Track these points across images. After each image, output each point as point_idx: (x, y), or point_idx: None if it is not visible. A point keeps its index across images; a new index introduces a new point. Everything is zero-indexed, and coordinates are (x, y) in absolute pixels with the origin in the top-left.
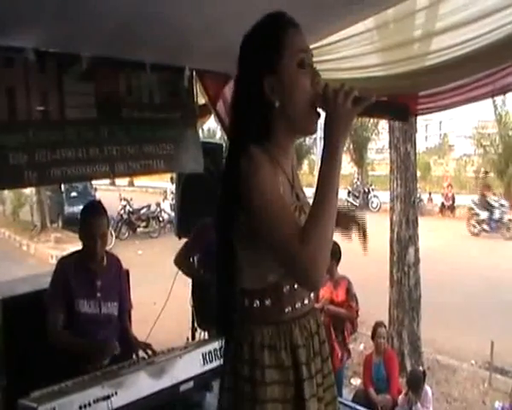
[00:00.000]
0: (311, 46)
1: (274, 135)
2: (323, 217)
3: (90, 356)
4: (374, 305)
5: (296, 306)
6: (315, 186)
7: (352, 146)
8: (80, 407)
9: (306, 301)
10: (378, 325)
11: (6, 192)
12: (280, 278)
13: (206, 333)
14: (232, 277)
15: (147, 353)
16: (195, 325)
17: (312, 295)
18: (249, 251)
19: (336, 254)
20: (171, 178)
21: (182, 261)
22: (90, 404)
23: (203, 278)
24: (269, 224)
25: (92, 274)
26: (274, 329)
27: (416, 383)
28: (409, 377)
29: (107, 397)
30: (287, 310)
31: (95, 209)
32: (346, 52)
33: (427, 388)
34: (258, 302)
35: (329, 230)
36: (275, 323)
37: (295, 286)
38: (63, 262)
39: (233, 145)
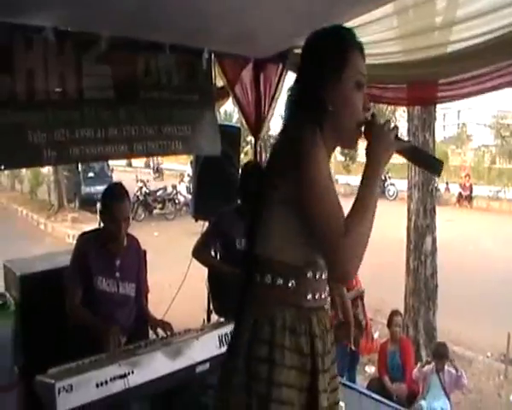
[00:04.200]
0: None
1: (323, 134)
2: (364, 217)
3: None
4: (389, 293)
5: (316, 296)
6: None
7: None
8: (97, 385)
9: (324, 295)
10: (394, 313)
11: (24, 171)
12: (305, 263)
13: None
14: (256, 244)
15: (165, 331)
16: (211, 307)
17: (327, 293)
18: (282, 224)
19: None
20: (191, 162)
21: (200, 253)
22: (106, 382)
23: (223, 270)
24: (319, 201)
25: (112, 254)
26: (295, 312)
27: (441, 352)
28: (434, 348)
29: (124, 375)
30: (308, 297)
31: (117, 193)
32: (366, 38)
33: (462, 371)
34: (281, 281)
35: (369, 229)
36: (295, 306)
37: (317, 276)
38: (84, 238)
39: (295, 118)
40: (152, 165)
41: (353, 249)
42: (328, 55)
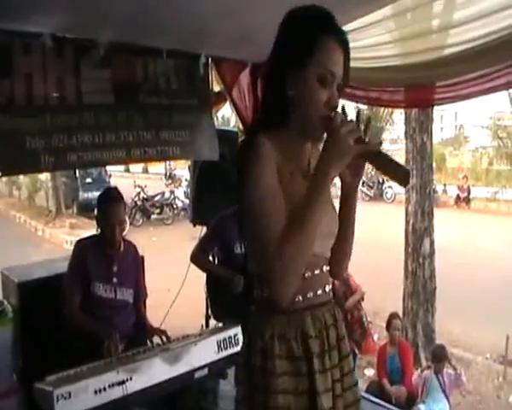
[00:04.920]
0: None
1: (289, 123)
2: (300, 234)
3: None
4: (388, 296)
5: (308, 295)
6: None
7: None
8: (95, 392)
9: (320, 292)
10: (393, 316)
11: (22, 177)
12: None
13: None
14: (248, 261)
15: (162, 339)
16: (209, 312)
17: (328, 287)
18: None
19: None
20: (189, 167)
21: (198, 258)
22: (105, 388)
23: (221, 275)
24: (255, 216)
25: (109, 259)
26: (284, 318)
27: (439, 354)
28: (433, 350)
29: (122, 382)
30: (297, 299)
31: (112, 196)
32: (363, 42)
33: (461, 370)
34: (267, 291)
35: (305, 246)
36: (285, 312)
37: (307, 274)
38: (81, 244)
39: (246, 133)
40: (165, 171)
41: (284, 272)
42: (295, 36)
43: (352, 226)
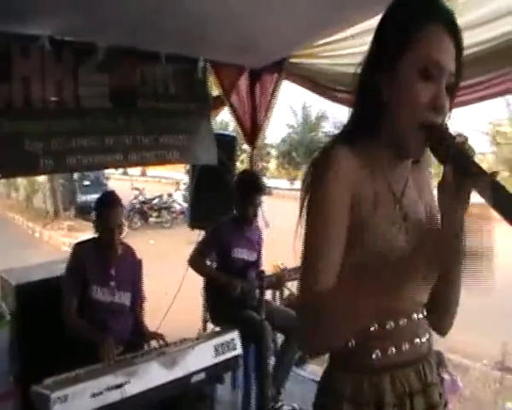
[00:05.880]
0: (325, 40)
1: (380, 135)
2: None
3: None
4: None
5: (388, 352)
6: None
7: None
8: (93, 395)
9: (406, 347)
10: None
11: (19, 179)
12: None
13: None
14: None
15: (159, 343)
16: (207, 317)
17: (418, 340)
18: None
19: None
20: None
21: (196, 263)
22: (102, 392)
23: (219, 280)
24: (307, 232)
25: (107, 262)
26: (357, 378)
27: (436, 360)
28: None
29: (120, 385)
30: (374, 356)
31: (110, 200)
32: (358, 48)
33: (457, 376)
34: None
35: (363, 317)
36: (359, 371)
37: (390, 325)
38: (79, 247)
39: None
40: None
41: (311, 320)
42: (390, 27)
43: (459, 272)
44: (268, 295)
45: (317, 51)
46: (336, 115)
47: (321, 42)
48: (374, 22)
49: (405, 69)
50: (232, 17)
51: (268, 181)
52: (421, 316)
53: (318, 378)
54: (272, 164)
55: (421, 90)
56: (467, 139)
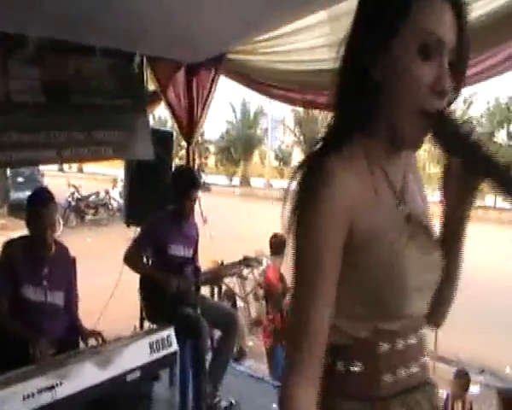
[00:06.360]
0: (263, 36)
1: (377, 128)
2: None
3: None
4: None
5: (399, 374)
6: None
7: (302, 138)
8: (24, 398)
9: (415, 369)
10: None
11: None
12: (373, 332)
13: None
14: None
15: (98, 341)
16: (143, 314)
17: (423, 360)
18: None
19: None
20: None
21: (132, 260)
22: (33, 394)
23: (155, 277)
24: (298, 279)
25: (39, 261)
26: (368, 406)
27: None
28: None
29: (52, 387)
30: (385, 380)
31: (43, 197)
32: (297, 44)
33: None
34: (342, 365)
35: None
36: (366, 399)
37: (399, 344)
38: (10, 245)
39: (307, 156)
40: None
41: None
42: (373, 14)
43: (460, 264)
44: (206, 291)
45: (255, 48)
46: (274, 112)
47: (260, 38)
48: (311, 20)
49: (402, 47)
50: (168, 11)
51: (207, 177)
52: (423, 332)
53: (255, 373)
54: (211, 160)
55: (420, 71)
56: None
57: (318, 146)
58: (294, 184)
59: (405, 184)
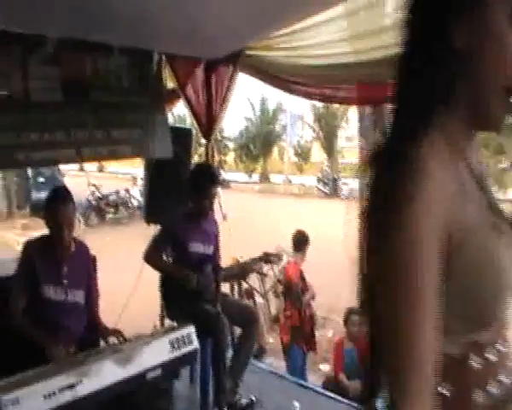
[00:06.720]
0: (281, 32)
1: (456, 107)
2: None
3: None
4: (343, 292)
5: (488, 388)
6: None
7: (321, 133)
8: (45, 397)
9: (508, 378)
10: (351, 311)
11: None
12: (465, 347)
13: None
14: None
15: (118, 339)
16: (164, 312)
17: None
18: None
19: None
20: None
21: (152, 258)
22: (54, 393)
23: (175, 274)
24: (398, 296)
25: (58, 260)
26: None
27: None
28: None
29: (72, 386)
30: (475, 398)
31: (60, 196)
32: (315, 39)
33: None
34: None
35: None
36: None
37: (492, 357)
38: (29, 246)
39: (393, 139)
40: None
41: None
42: None
43: None
44: (225, 288)
45: (273, 43)
46: (292, 108)
47: (277, 34)
48: (328, 14)
49: (490, 14)
50: (185, 8)
51: (226, 174)
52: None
53: (275, 370)
54: (230, 157)
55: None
56: None
57: (390, 133)
58: (369, 179)
59: (482, 169)
